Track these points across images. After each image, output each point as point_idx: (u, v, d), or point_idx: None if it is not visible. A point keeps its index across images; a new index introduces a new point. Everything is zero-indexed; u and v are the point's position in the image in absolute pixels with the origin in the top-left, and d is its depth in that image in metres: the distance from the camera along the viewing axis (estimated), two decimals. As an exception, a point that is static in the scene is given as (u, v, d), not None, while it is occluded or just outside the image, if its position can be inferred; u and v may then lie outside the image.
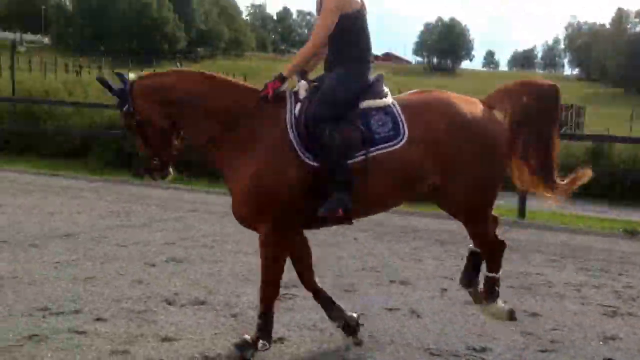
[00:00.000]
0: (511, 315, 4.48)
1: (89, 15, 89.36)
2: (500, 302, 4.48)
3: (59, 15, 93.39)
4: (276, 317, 4.29)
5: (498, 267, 4.47)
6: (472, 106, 4.27)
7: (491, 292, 4.46)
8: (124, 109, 4.16)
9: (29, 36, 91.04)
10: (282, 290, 5.57)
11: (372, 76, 4.28)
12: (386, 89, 4.28)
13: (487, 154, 4.17)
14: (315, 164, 3.98)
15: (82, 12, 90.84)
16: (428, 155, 4.08)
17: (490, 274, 4.46)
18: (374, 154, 4.02)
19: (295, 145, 3.99)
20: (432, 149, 4.08)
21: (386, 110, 4.14)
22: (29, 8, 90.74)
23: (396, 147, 4.04)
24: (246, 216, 4.10)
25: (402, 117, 4.11)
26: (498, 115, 4.34)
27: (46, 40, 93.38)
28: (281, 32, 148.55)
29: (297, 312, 5.07)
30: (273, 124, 4.05)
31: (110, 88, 4.20)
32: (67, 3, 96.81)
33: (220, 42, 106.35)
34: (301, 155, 3.99)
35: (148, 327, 4.63)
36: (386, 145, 4.04)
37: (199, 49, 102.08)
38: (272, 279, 4.17)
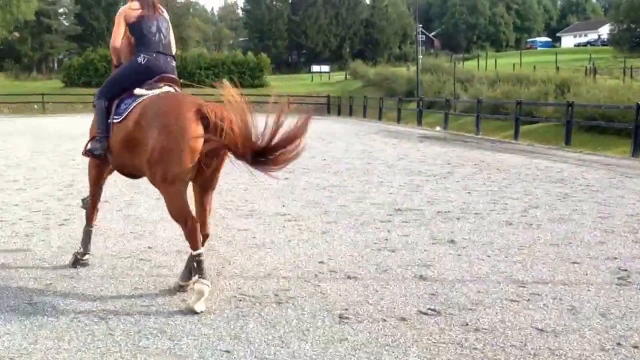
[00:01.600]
0: (197, 299, 4.77)
1: None
2: (202, 286, 4.79)
3: None
4: None
5: (192, 243, 4.92)
6: (165, 103, 5.06)
7: (194, 267, 4.92)
8: None
9: None
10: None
11: (151, 69, 5.47)
12: (161, 85, 5.43)
13: (160, 139, 4.88)
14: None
15: None
16: (135, 131, 5.10)
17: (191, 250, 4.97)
18: (113, 121, 5.39)
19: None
20: (136, 128, 5.10)
21: (140, 98, 5.28)
22: None
23: (117, 120, 5.34)
24: None
25: (137, 103, 5.24)
26: (196, 115, 4.89)
27: None
28: None
29: None
30: None
31: None
32: None
33: None
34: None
35: None
36: (117, 117, 5.37)
37: None
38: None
